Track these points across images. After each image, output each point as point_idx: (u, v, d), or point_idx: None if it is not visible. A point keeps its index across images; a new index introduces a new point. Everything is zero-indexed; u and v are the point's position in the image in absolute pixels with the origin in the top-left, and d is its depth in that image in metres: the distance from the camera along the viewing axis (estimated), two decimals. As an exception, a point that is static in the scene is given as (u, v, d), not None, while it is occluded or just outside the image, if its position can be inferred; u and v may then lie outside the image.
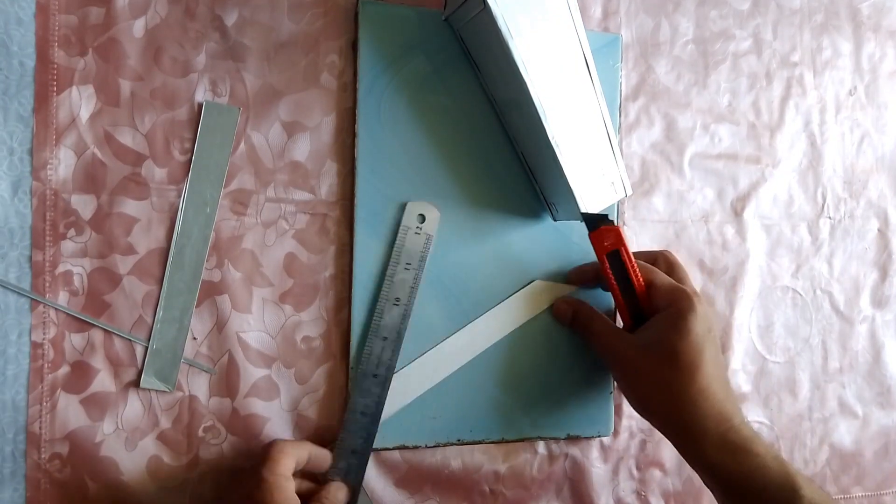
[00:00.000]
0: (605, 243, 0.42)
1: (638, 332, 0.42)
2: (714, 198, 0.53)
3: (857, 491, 0.56)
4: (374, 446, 0.43)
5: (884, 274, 0.58)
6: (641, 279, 0.43)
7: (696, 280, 0.52)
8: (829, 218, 0.56)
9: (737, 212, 0.53)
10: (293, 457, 0.37)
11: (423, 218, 0.43)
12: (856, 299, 0.57)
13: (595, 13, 0.50)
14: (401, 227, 0.43)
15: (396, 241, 0.43)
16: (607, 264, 0.42)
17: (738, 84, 0.53)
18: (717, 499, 0.42)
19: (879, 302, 0.58)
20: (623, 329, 0.44)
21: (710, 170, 0.53)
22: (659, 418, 0.42)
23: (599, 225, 0.42)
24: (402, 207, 0.44)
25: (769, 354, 0.54)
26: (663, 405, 0.41)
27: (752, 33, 0.54)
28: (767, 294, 0.54)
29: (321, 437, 0.43)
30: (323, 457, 0.41)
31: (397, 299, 0.43)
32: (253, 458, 0.42)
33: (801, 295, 0.55)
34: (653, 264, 0.45)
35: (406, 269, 0.43)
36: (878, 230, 0.58)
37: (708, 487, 0.42)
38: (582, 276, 0.47)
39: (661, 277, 0.43)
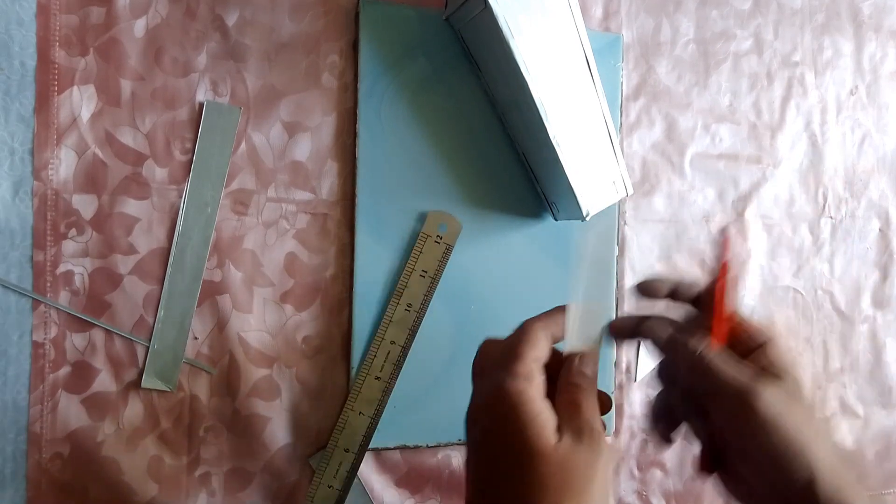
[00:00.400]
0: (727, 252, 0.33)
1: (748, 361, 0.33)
2: (715, 198, 0.53)
3: (859, 491, 0.56)
4: (375, 446, 0.43)
5: (885, 274, 0.58)
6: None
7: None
8: (831, 218, 0.56)
9: (738, 212, 0.53)
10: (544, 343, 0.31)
11: (444, 228, 0.44)
12: (857, 300, 0.57)
13: (596, 13, 0.50)
14: (420, 235, 0.43)
15: (414, 248, 0.43)
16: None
17: (739, 84, 0.53)
18: None
19: (880, 302, 0.58)
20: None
21: (710, 170, 0.53)
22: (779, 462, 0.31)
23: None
24: (404, 208, 0.44)
25: (770, 355, 0.54)
26: (782, 445, 0.31)
27: (753, 33, 0.54)
28: (768, 294, 0.54)
29: (322, 437, 0.43)
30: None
31: (409, 305, 0.43)
32: (256, 459, 0.42)
33: (802, 295, 0.55)
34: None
35: (422, 276, 0.43)
36: (880, 230, 0.58)
37: None
38: (624, 331, 0.36)
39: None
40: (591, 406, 0.32)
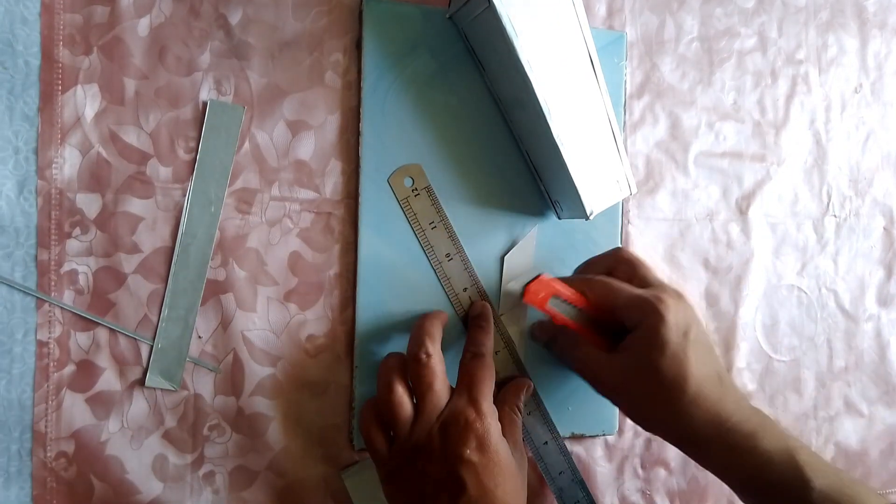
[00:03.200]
0: (542, 296, 0.42)
1: (617, 353, 0.41)
2: (719, 196, 0.53)
3: (863, 490, 0.56)
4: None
5: (889, 272, 0.58)
6: (594, 301, 0.42)
7: (700, 278, 0.52)
8: (835, 216, 0.56)
9: (742, 210, 0.53)
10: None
11: (410, 181, 0.44)
12: (861, 298, 0.57)
13: (599, 11, 0.49)
14: (400, 202, 0.43)
15: (406, 214, 0.43)
16: (556, 311, 0.42)
17: (743, 82, 0.53)
18: (736, 495, 0.42)
19: (885, 300, 0.57)
20: (603, 351, 0.42)
21: (714, 168, 0.52)
22: (659, 430, 0.42)
23: (525, 286, 0.42)
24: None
25: (774, 353, 0.54)
26: (659, 419, 0.40)
27: (758, 31, 0.54)
28: (772, 293, 0.54)
29: (326, 436, 0.43)
30: None
31: (447, 255, 0.44)
32: (260, 457, 0.42)
33: (806, 293, 0.55)
34: (611, 273, 0.43)
35: (433, 227, 0.44)
36: (884, 228, 0.58)
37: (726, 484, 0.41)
38: (545, 333, 0.46)
39: (622, 293, 0.41)
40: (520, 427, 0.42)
